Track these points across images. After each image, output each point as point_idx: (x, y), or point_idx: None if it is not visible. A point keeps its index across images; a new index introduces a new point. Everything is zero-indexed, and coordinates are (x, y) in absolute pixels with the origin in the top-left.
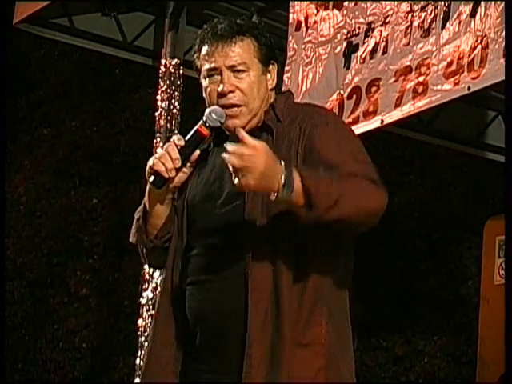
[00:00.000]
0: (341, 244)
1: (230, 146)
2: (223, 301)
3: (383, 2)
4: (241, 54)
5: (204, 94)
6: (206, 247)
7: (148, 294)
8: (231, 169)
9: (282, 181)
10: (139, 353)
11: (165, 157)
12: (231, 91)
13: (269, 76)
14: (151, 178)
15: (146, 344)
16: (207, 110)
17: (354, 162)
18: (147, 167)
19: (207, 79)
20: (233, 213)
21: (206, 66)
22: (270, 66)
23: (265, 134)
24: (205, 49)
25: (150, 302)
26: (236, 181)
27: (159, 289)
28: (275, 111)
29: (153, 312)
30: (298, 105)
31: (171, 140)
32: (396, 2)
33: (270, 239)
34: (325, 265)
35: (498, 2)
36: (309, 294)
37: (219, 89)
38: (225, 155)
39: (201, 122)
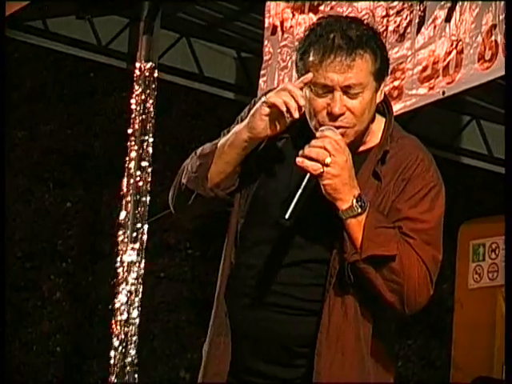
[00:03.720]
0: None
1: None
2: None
3: (359, 7)
4: (358, 73)
5: (305, 103)
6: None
7: (122, 297)
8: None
9: (357, 194)
10: (113, 356)
11: (288, 96)
12: (342, 114)
13: (379, 91)
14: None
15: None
16: (320, 130)
17: (427, 244)
18: (264, 105)
19: (313, 90)
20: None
21: (317, 79)
22: (383, 80)
23: (372, 180)
24: (316, 56)
25: (123, 306)
26: (315, 170)
27: (135, 292)
28: (384, 155)
29: (126, 316)
30: (403, 140)
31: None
32: (372, 7)
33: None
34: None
35: (473, 7)
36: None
37: (330, 109)
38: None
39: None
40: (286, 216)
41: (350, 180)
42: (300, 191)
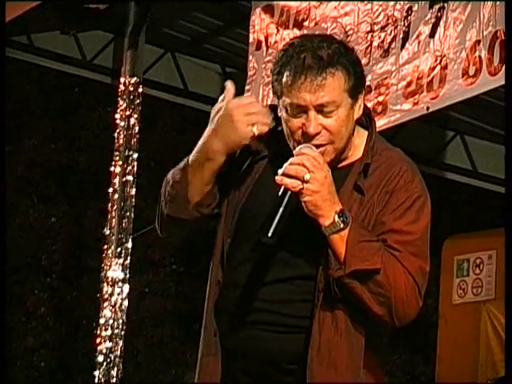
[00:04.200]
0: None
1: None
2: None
3: (343, 22)
4: (330, 91)
5: (284, 125)
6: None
7: (106, 312)
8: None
9: (338, 209)
10: (97, 372)
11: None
12: (317, 133)
13: (356, 107)
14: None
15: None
16: (299, 148)
17: (413, 255)
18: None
19: (289, 112)
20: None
21: (289, 100)
22: (359, 96)
23: (355, 194)
24: (289, 78)
25: (108, 321)
26: (296, 187)
27: (119, 307)
28: (365, 168)
29: (110, 331)
30: (386, 152)
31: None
32: (356, 23)
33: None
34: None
35: (457, 23)
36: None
37: (305, 128)
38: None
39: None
40: (269, 234)
41: (330, 196)
42: (281, 209)
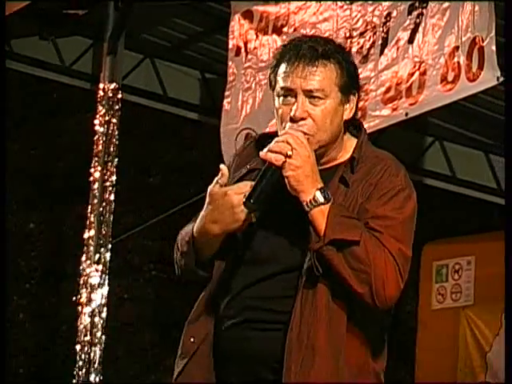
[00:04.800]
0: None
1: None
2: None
3: (322, 28)
4: (321, 80)
5: (275, 115)
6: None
7: (85, 318)
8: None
9: (319, 186)
10: (76, 378)
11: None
12: (303, 118)
13: (347, 106)
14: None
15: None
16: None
17: (395, 239)
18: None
19: (280, 99)
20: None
21: (282, 84)
22: (351, 97)
23: (339, 186)
24: (284, 66)
25: (87, 327)
26: (279, 161)
27: (99, 313)
28: (352, 163)
29: (89, 337)
30: (371, 154)
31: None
32: (335, 28)
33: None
34: (367, 320)
35: (436, 29)
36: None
37: (291, 113)
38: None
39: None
40: (251, 200)
41: (312, 174)
42: (264, 179)
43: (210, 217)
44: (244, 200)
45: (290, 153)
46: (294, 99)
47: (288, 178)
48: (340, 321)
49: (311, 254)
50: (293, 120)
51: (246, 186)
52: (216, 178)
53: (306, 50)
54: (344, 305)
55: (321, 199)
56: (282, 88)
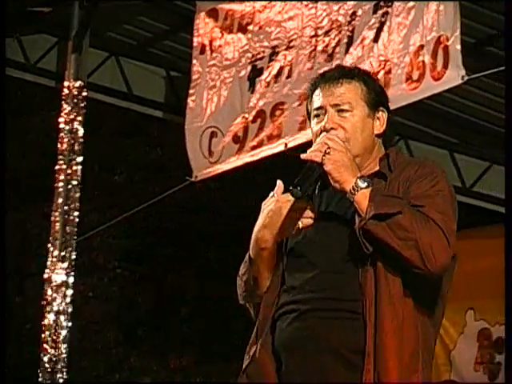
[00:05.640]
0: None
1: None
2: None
3: (287, 27)
4: (346, 93)
5: (312, 138)
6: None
7: (50, 317)
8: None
9: (359, 175)
10: (41, 376)
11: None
12: (333, 128)
13: (377, 122)
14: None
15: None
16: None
17: (438, 212)
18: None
19: (314, 120)
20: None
21: (313, 106)
22: (380, 113)
23: (377, 180)
24: (315, 92)
25: (52, 326)
26: (318, 157)
27: (63, 312)
28: (389, 161)
29: (54, 336)
30: (407, 158)
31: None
32: (300, 27)
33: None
34: (428, 313)
35: (401, 28)
36: (411, 342)
37: (322, 124)
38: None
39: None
40: (298, 188)
41: (351, 165)
42: (303, 170)
43: (261, 224)
44: (290, 187)
45: (328, 150)
46: (325, 116)
47: (329, 172)
48: (401, 299)
49: (358, 233)
50: (324, 131)
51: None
52: (272, 192)
53: (333, 72)
54: (400, 282)
55: (362, 185)
56: (314, 109)
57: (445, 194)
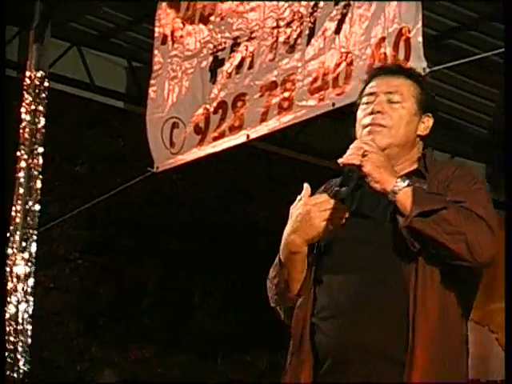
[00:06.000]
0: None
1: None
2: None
3: (249, 18)
4: (400, 86)
5: (357, 125)
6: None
7: (11, 308)
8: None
9: (398, 176)
10: (5, 367)
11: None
12: (380, 112)
13: (422, 125)
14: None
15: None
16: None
17: (481, 206)
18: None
19: (362, 107)
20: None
21: (365, 92)
22: (426, 118)
23: (416, 179)
24: (368, 84)
25: (13, 317)
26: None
27: (24, 303)
28: (425, 161)
29: (15, 327)
30: (439, 160)
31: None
32: (262, 18)
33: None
34: (465, 312)
35: (363, 20)
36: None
37: (372, 107)
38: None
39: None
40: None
41: (389, 166)
42: (344, 174)
43: (291, 228)
44: (335, 189)
45: (365, 153)
46: (373, 99)
47: (369, 173)
48: (443, 295)
49: (404, 232)
50: (370, 114)
51: (321, 197)
52: (299, 196)
53: (392, 66)
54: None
55: (403, 184)
56: (365, 95)
57: (485, 192)
